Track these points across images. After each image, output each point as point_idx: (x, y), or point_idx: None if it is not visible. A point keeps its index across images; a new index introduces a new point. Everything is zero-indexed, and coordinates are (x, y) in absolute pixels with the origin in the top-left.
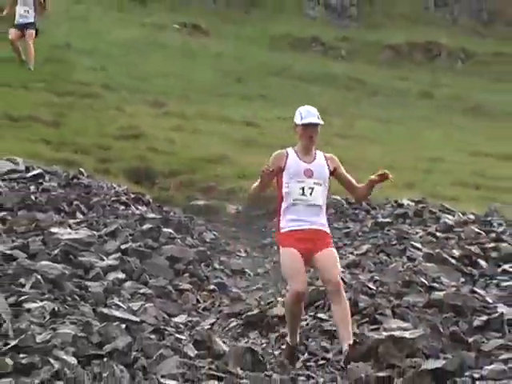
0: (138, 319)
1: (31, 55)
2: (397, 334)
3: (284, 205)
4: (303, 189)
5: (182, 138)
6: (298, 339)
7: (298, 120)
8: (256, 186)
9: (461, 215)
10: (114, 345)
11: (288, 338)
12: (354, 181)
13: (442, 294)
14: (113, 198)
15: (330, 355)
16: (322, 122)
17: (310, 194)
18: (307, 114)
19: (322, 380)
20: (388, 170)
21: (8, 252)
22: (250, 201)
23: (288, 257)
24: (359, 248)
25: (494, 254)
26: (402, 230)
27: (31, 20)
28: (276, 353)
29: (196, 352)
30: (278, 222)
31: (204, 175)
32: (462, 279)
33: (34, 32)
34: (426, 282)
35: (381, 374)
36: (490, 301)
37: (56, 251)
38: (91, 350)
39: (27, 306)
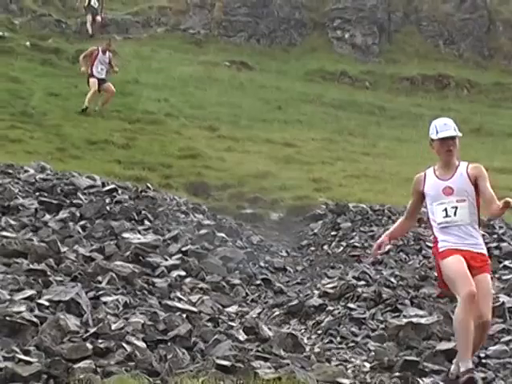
0: (196, 310)
1: (107, 100)
2: (415, 320)
3: (434, 229)
4: (446, 210)
5: (233, 157)
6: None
7: (433, 135)
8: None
9: None
10: (176, 331)
11: (459, 363)
12: (493, 196)
13: None
14: (174, 208)
15: (358, 339)
16: (459, 134)
17: (454, 213)
18: (442, 127)
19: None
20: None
21: (87, 254)
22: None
23: (451, 263)
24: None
25: (496, 252)
26: (418, 233)
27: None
28: (313, 337)
29: (245, 337)
30: (435, 245)
31: (251, 188)
32: None
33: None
34: None
35: (408, 358)
36: (493, 292)
37: (127, 253)
38: (158, 335)
39: (104, 299)
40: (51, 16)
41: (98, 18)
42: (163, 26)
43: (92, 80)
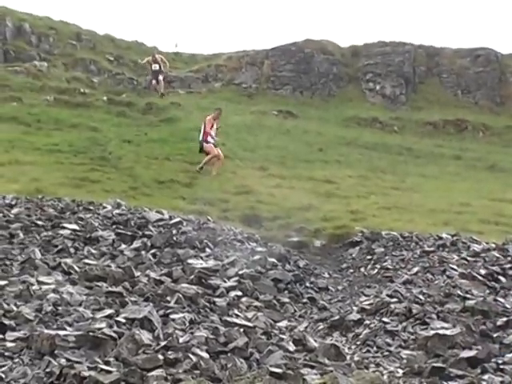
0: (252, 325)
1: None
2: (441, 332)
3: None
4: None
5: (280, 193)
6: None
7: None
8: None
9: (485, 244)
10: (235, 343)
11: None
12: None
13: (473, 302)
14: (231, 238)
15: (392, 348)
16: None
17: None
18: None
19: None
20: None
21: (158, 278)
22: None
23: None
24: (411, 270)
25: (510, 272)
26: (442, 256)
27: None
28: (353, 347)
29: (294, 348)
30: None
31: (297, 219)
32: (487, 291)
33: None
34: (461, 294)
35: (435, 364)
36: (509, 306)
37: (192, 276)
38: (219, 347)
39: (172, 316)
40: (124, 74)
41: (160, 78)
42: (220, 81)
43: (209, 145)
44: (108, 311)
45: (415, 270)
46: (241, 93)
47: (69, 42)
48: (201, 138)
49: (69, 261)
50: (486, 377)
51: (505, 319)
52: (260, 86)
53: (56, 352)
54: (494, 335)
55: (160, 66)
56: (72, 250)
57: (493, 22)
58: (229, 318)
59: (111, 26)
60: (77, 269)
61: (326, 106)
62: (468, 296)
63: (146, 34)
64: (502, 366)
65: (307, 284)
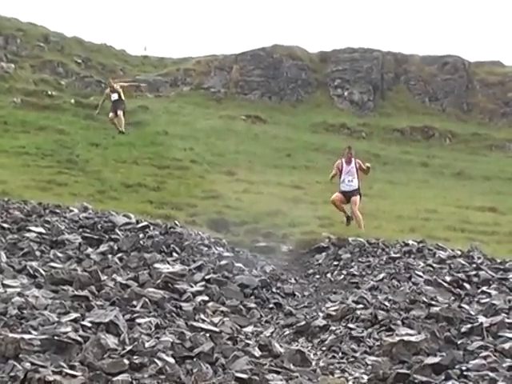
0: (218, 330)
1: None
2: (406, 338)
3: None
4: None
5: (249, 198)
6: None
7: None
8: None
9: (451, 251)
10: (201, 348)
11: None
12: None
13: (438, 308)
14: (199, 242)
15: (357, 354)
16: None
17: None
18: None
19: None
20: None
21: (124, 282)
22: None
23: None
24: (377, 276)
25: (475, 279)
26: (408, 263)
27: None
28: (318, 353)
29: (260, 353)
30: None
31: (264, 224)
32: (452, 298)
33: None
34: (426, 300)
35: (400, 371)
36: (473, 313)
37: (158, 281)
38: (185, 352)
39: (138, 321)
40: (92, 77)
41: (120, 112)
42: (188, 85)
43: None
44: (74, 315)
45: (381, 276)
46: (209, 97)
47: (37, 44)
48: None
49: (34, 264)
50: (449, 383)
51: (469, 326)
52: (229, 91)
53: (21, 356)
54: (459, 342)
55: (119, 95)
56: (38, 253)
57: (461, 30)
58: (195, 323)
59: (80, 28)
60: (43, 272)
61: (295, 111)
62: (433, 303)
63: (115, 37)
64: (465, 373)
65: (274, 289)
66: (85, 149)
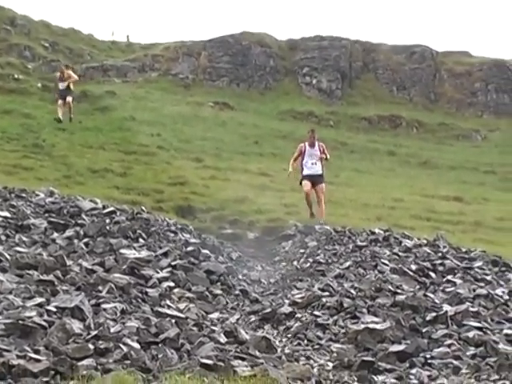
0: (183, 316)
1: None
2: (371, 326)
3: None
4: None
5: (215, 185)
6: None
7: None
8: None
9: (416, 240)
10: (166, 334)
11: None
12: None
13: (403, 297)
14: (165, 228)
15: (322, 342)
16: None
17: None
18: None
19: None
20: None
21: (90, 267)
22: None
23: None
24: (343, 264)
25: (440, 268)
26: (374, 251)
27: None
28: (283, 340)
29: (226, 339)
30: None
31: (231, 211)
32: (418, 286)
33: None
34: (392, 289)
35: (365, 358)
36: (438, 302)
37: (124, 266)
38: (150, 338)
39: (104, 306)
40: (59, 61)
41: (69, 99)
42: (156, 71)
43: None
44: (39, 300)
45: (347, 264)
46: (177, 83)
47: (3, 27)
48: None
49: (0, 248)
50: (414, 371)
51: (434, 314)
52: (197, 77)
53: None
54: (423, 330)
55: (69, 85)
56: (3, 238)
57: (429, 19)
58: (160, 309)
59: (47, 11)
60: (8, 256)
61: (263, 98)
62: (398, 291)
63: (83, 22)
64: (430, 361)
65: (240, 276)
66: (51, 133)
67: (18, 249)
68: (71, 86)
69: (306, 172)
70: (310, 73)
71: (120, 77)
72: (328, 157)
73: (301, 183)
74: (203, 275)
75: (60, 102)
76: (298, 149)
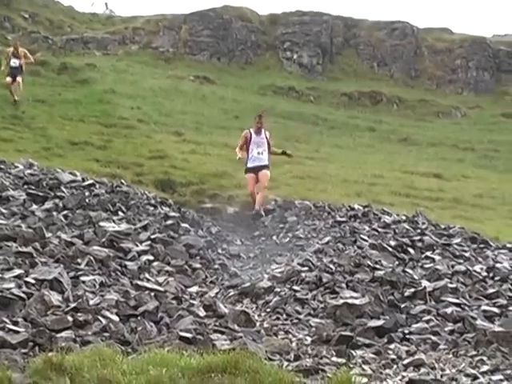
0: (162, 289)
1: None
2: (350, 301)
3: None
4: None
5: (195, 159)
6: None
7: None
8: None
9: (396, 216)
10: (145, 307)
11: None
12: None
13: (382, 272)
14: (145, 202)
15: (301, 316)
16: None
17: None
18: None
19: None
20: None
21: (69, 239)
22: None
23: None
24: (323, 239)
25: (419, 244)
26: (354, 227)
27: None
28: (262, 314)
29: (205, 313)
30: None
31: (211, 185)
32: (396, 262)
33: None
34: (371, 264)
35: (343, 333)
36: (416, 278)
37: (103, 239)
38: (129, 310)
39: (83, 278)
40: (39, 33)
41: (19, 79)
42: (137, 44)
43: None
44: (17, 271)
45: (326, 239)
46: (158, 56)
47: None
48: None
49: None
50: (392, 346)
51: (412, 290)
52: (177, 51)
53: None
54: (402, 305)
55: (20, 64)
56: None
57: None
58: (140, 282)
59: None
60: None
61: (243, 73)
62: (377, 267)
63: None
64: (408, 336)
65: (219, 250)
66: (30, 105)
67: None
68: (23, 65)
69: (250, 164)
70: (291, 48)
71: (100, 49)
72: (272, 148)
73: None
74: (182, 249)
75: (9, 79)
76: (243, 136)
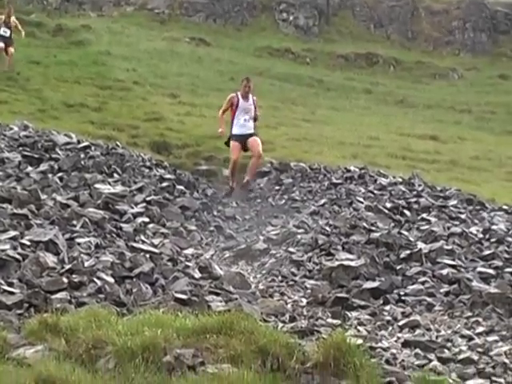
0: (158, 251)
1: None
2: (345, 263)
3: None
4: None
5: (191, 121)
6: None
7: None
8: None
9: (392, 178)
10: (141, 269)
11: None
12: None
13: (377, 234)
14: (140, 164)
15: (297, 278)
16: None
17: None
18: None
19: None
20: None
21: (64, 201)
22: None
23: None
24: (319, 201)
25: (415, 206)
26: (350, 188)
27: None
28: (258, 276)
29: (200, 275)
30: None
31: (206, 147)
32: (392, 224)
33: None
34: (367, 226)
35: (339, 295)
36: (412, 239)
37: (99, 201)
38: (124, 272)
39: (78, 240)
40: None
41: (11, 49)
42: (132, 5)
43: None
44: (12, 233)
45: (322, 201)
46: (153, 18)
47: None
48: None
49: None
50: (387, 307)
51: (408, 252)
52: (173, 12)
53: None
54: (397, 267)
55: (11, 34)
56: None
57: None
58: (135, 244)
59: None
60: None
61: (239, 34)
62: (373, 228)
63: None
64: (403, 298)
65: (215, 212)
66: (25, 67)
67: None
68: (12, 34)
69: (235, 131)
70: (287, 9)
71: (95, 10)
72: (258, 117)
73: (228, 144)
74: (178, 211)
75: (1, 45)
76: (229, 100)
